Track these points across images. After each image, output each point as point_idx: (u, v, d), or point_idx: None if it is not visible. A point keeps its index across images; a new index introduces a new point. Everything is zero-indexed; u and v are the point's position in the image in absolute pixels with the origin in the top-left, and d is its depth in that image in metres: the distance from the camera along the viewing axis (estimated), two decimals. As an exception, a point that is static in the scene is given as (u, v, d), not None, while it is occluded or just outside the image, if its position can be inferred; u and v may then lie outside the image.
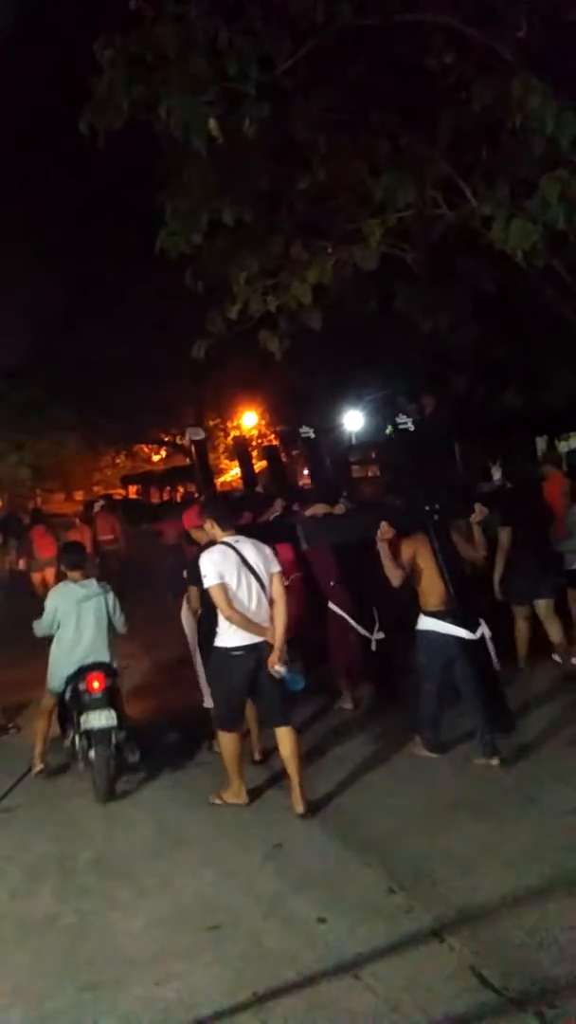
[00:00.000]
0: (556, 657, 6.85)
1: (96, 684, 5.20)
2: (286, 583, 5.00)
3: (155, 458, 31.95)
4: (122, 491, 26.76)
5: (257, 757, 5.49)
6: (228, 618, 4.67)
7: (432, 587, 5.11)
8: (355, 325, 9.79)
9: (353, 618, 6.27)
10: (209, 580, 4.66)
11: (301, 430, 7.89)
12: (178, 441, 24.36)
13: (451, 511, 5.36)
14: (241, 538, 4.86)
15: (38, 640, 5.58)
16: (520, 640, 6.91)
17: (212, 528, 4.95)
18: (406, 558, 5.11)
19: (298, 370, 13.91)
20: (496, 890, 3.66)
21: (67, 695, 5.36)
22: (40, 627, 5.53)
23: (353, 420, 18.99)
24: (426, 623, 5.14)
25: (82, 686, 5.22)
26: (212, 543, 4.92)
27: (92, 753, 5.12)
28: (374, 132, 6.61)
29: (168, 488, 23.11)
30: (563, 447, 13.38)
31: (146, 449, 31.68)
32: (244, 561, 4.73)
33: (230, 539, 4.84)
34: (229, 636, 4.71)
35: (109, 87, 5.77)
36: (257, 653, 4.66)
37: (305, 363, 12.62)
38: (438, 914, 3.52)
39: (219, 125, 5.64)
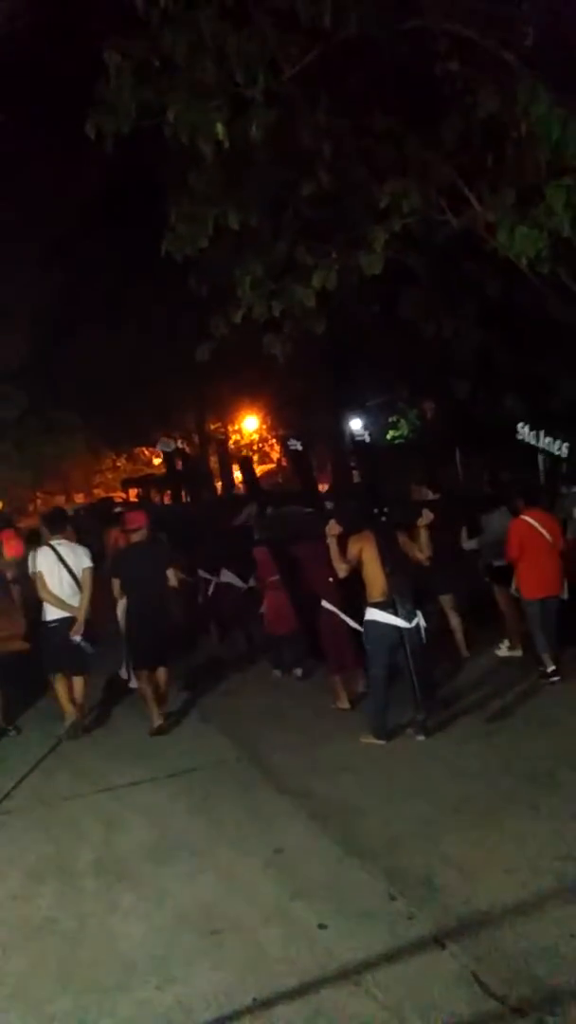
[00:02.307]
0: (500, 649, 7.54)
1: None
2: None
3: (156, 461, 31.94)
4: (122, 494, 26.74)
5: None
6: (44, 599, 6.50)
7: (375, 581, 5.69)
8: (359, 330, 9.80)
9: (344, 613, 6.45)
10: (31, 570, 6.60)
11: (288, 442, 8.47)
12: (179, 444, 24.36)
13: (401, 514, 6.09)
14: (63, 541, 6.66)
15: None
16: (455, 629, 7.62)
17: (44, 532, 6.94)
18: (352, 554, 5.73)
19: (301, 374, 13.93)
20: (497, 897, 3.66)
21: None
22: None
23: (355, 425, 18.99)
24: (370, 613, 5.72)
25: None
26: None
27: None
28: (379, 138, 6.62)
29: (168, 491, 23.12)
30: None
31: (147, 452, 31.67)
32: (60, 558, 6.51)
33: (54, 542, 6.63)
34: (48, 612, 6.54)
35: (116, 92, 5.78)
36: (65, 625, 6.46)
37: (308, 368, 12.65)
38: (439, 921, 3.52)
39: (226, 130, 5.65)
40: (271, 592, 7.55)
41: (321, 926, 3.56)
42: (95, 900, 4.02)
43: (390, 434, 20.47)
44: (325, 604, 6.55)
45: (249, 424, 27.00)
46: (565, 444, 7.20)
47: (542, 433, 7.35)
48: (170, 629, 6.82)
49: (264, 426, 26.44)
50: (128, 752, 6.09)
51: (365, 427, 18.58)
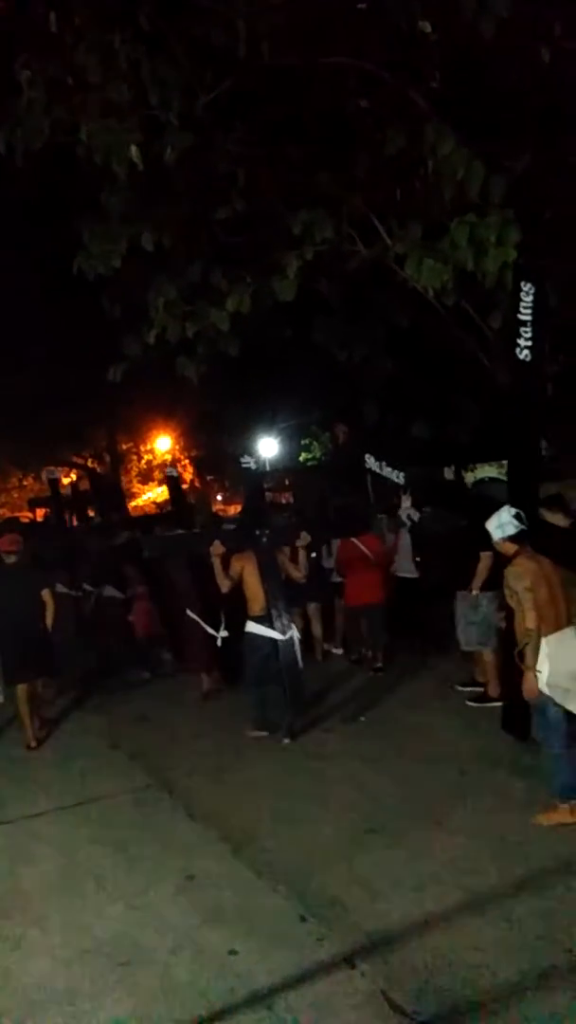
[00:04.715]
0: (327, 647, 8.75)
1: None
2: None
3: (66, 481, 31.13)
4: (29, 514, 25.97)
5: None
6: None
7: (255, 596, 6.28)
8: (272, 354, 9.90)
9: (203, 620, 7.33)
10: None
11: (167, 471, 9.27)
12: (90, 464, 23.89)
13: (280, 535, 6.57)
14: None
15: None
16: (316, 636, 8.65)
17: None
18: (235, 571, 6.28)
19: (214, 396, 13.93)
20: (406, 914, 3.72)
21: None
22: None
23: (268, 447, 19.10)
24: (250, 626, 6.31)
25: None
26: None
27: None
28: (292, 168, 6.74)
29: (76, 511, 22.58)
30: (469, 477, 13.83)
31: (57, 471, 30.90)
32: None
33: None
34: None
35: (28, 108, 5.71)
36: None
37: (221, 389, 12.66)
38: (349, 941, 3.55)
39: (140, 152, 5.65)
40: (139, 602, 8.82)
41: (232, 952, 3.54)
42: (-3, 937, 3.87)
43: (303, 456, 20.72)
44: (188, 612, 7.50)
45: (162, 444, 26.74)
46: (402, 473, 8.20)
47: (383, 463, 8.29)
48: (46, 646, 6.88)
49: (177, 446, 26.24)
50: (32, 781, 5.90)
51: (267, 449, 18.75)
